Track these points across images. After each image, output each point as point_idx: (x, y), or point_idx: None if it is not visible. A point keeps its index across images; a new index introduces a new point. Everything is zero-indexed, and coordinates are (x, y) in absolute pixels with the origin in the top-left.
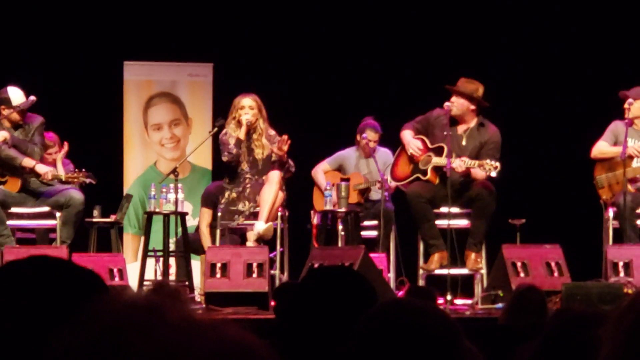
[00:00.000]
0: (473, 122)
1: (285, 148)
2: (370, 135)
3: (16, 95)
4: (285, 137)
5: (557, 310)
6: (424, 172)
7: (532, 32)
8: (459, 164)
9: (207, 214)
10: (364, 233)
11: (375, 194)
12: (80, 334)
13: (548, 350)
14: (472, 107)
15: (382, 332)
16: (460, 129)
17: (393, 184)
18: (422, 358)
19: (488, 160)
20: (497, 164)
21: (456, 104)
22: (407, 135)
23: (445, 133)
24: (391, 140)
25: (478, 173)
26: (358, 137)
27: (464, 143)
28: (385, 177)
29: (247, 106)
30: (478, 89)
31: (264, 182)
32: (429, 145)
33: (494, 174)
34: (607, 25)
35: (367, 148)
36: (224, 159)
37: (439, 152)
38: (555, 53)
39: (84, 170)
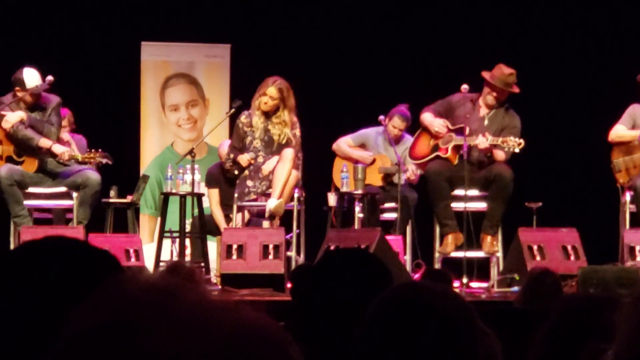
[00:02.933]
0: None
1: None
2: (396, 123)
3: (31, 77)
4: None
5: (567, 294)
6: (445, 151)
7: (550, 15)
8: (482, 140)
9: (213, 193)
10: (384, 215)
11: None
12: (97, 314)
13: (557, 334)
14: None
15: (397, 315)
16: (483, 110)
17: (411, 168)
18: (436, 341)
19: (512, 137)
20: (522, 140)
21: (500, 98)
22: (429, 117)
23: (467, 116)
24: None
25: (499, 154)
26: (387, 121)
27: (486, 123)
28: (403, 162)
29: (269, 95)
30: (515, 80)
31: (278, 159)
32: (450, 127)
33: (517, 150)
34: (626, 9)
35: (392, 133)
36: (225, 158)
37: (460, 132)
38: (573, 36)
39: (100, 150)
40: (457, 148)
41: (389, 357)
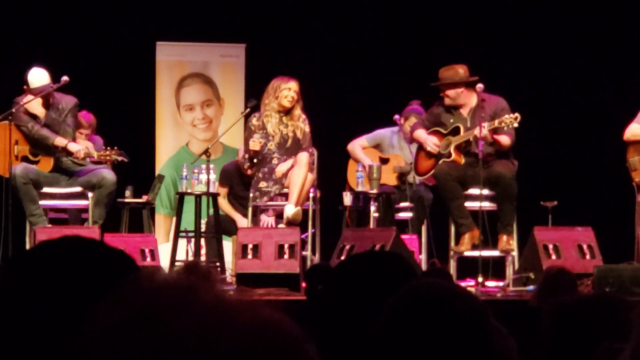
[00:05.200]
0: (474, 102)
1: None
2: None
3: (37, 77)
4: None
5: (579, 295)
6: (448, 155)
7: (565, 13)
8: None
9: (221, 191)
10: (399, 215)
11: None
12: (116, 312)
13: (571, 333)
14: (460, 89)
15: (410, 313)
16: (464, 111)
17: (420, 179)
18: (450, 339)
19: (507, 115)
20: (517, 114)
21: (449, 95)
22: (422, 134)
23: (452, 120)
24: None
25: (504, 139)
26: (402, 121)
27: (468, 125)
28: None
29: (294, 89)
30: (457, 72)
31: (292, 163)
32: (444, 132)
33: (516, 124)
34: None
35: (409, 134)
36: (241, 161)
37: (455, 132)
38: (588, 33)
39: (115, 148)
40: (458, 147)
41: (403, 355)
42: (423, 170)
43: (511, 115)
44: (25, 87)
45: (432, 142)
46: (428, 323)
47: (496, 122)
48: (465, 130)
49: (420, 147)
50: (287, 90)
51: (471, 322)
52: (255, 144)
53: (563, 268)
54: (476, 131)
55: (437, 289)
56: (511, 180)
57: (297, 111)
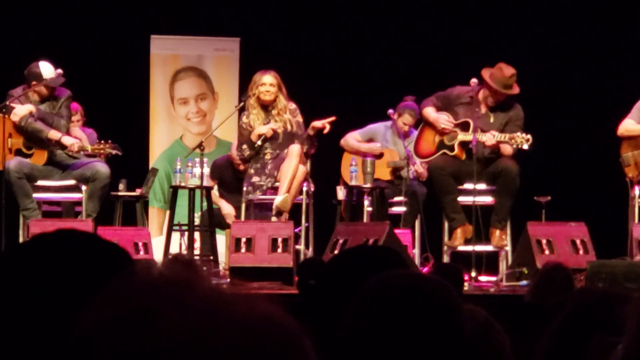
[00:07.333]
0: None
1: (322, 126)
2: (407, 120)
3: (47, 70)
4: (332, 118)
5: (579, 288)
6: (451, 148)
7: (559, 8)
8: (489, 137)
9: (210, 184)
10: (392, 209)
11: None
12: (112, 306)
13: (569, 329)
14: (500, 98)
15: (375, 307)
16: (484, 107)
17: (419, 161)
18: (417, 330)
19: (519, 133)
20: (529, 136)
21: (493, 97)
22: (432, 112)
23: (468, 112)
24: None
25: (507, 148)
26: (395, 116)
27: (491, 120)
28: (411, 156)
29: (268, 83)
30: (515, 88)
31: (285, 156)
32: (453, 121)
33: (526, 146)
34: (637, 1)
35: (402, 129)
36: (237, 154)
37: (464, 127)
38: (582, 29)
39: (109, 141)
40: (462, 144)
41: (372, 350)
42: (423, 153)
43: (523, 135)
44: (33, 82)
45: (444, 120)
46: (393, 315)
47: (507, 137)
48: (478, 127)
49: (426, 125)
50: (262, 85)
51: (438, 311)
52: (264, 129)
53: (559, 264)
54: (485, 137)
55: (402, 277)
56: (516, 176)
57: (282, 102)
